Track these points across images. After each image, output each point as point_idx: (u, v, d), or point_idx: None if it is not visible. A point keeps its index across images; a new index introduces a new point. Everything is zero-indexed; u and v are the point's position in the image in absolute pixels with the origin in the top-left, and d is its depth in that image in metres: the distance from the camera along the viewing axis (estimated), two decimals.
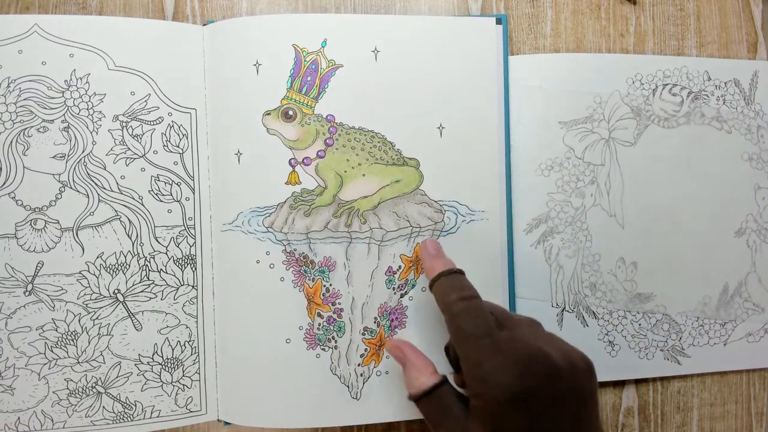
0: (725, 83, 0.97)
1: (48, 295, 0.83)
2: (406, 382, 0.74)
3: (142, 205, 0.85)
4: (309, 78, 0.86)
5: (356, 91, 0.87)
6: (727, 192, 0.97)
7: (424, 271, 0.82)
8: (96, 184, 0.84)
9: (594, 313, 0.94)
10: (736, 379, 1.00)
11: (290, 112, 0.85)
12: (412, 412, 0.88)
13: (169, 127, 0.86)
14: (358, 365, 0.88)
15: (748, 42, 1.00)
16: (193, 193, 0.87)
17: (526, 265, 0.92)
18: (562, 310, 0.93)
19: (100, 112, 0.84)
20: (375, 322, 0.88)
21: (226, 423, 0.88)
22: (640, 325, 0.95)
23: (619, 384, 0.97)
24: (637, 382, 0.98)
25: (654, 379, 0.98)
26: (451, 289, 0.73)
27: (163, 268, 0.86)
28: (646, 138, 0.95)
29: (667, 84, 0.96)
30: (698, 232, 0.96)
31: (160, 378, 0.86)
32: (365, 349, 0.88)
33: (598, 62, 0.95)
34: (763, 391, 1.00)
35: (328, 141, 0.86)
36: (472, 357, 0.66)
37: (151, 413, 0.86)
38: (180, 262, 0.87)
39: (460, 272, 0.76)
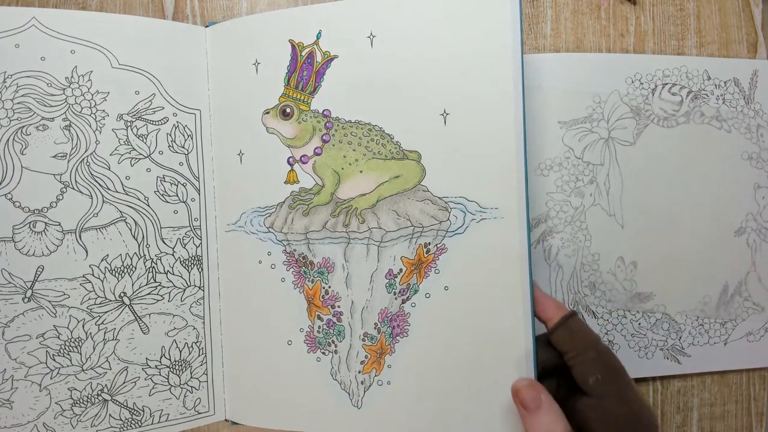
0: (725, 82, 0.95)
1: (49, 301, 0.79)
2: (534, 425, 0.70)
3: (148, 206, 0.82)
4: (305, 73, 0.82)
5: (351, 83, 0.81)
6: (727, 191, 0.96)
7: (539, 311, 0.77)
8: (100, 184, 0.81)
9: (593, 312, 0.93)
10: (736, 379, 0.98)
11: (287, 110, 0.82)
12: (416, 427, 0.81)
13: (174, 128, 0.84)
14: (359, 372, 0.82)
15: (748, 42, 0.98)
16: (199, 194, 0.85)
17: None
18: None
19: (104, 110, 0.81)
20: (375, 328, 0.82)
21: (234, 423, 0.86)
22: (639, 324, 0.94)
23: None
24: (637, 382, 0.95)
25: (654, 380, 0.96)
26: (589, 328, 0.75)
27: (170, 270, 0.83)
28: (645, 137, 0.94)
29: (667, 83, 0.94)
30: (698, 231, 0.95)
31: (168, 381, 0.84)
32: (366, 356, 0.82)
33: (598, 62, 0.94)
34: (763, 391, 0.99)
35: (324, 137, 0.82)
36: (625, 393, 0.72)
37: (159, 417, 0.83)
38: (187, 263, 0.84)
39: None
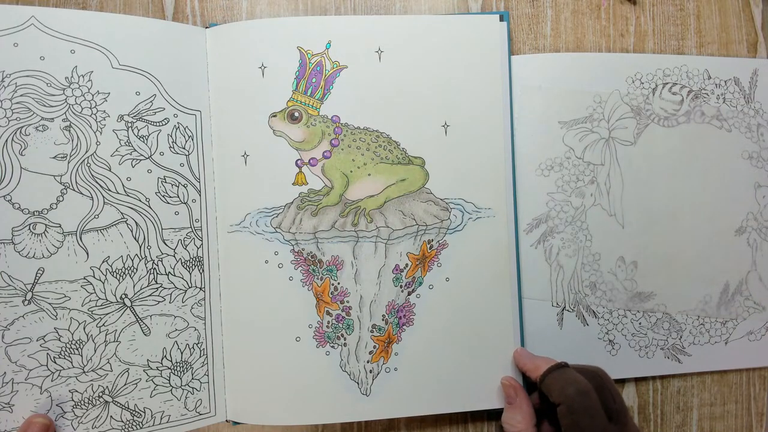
0: (725, 82, 0.95)
1: (50, 304, 0.77)
2: (505, 417, 0.83)
3: (149, 207, 0.81)
4: (314, 80, 0.84)
5: (361, 92, 0.85)
6: (727, 190, 0.95)
7: (528, 373, 0.85)
8: (101, 185, 0.79)
9: (594, 312, 0.93)
10: (736, 379, 0.97)
11: (296, 114, 0.84)
12: (420, 408, 0.87)
13: (175, 129, 0.83)
14: (368, 362, 0.86)
15: (748, 42, 0.97)
16: (199, 195, 0.84)
17: (527, 265, 0.90)
18: (563, 310, 0.92)
19: (104, 111, 0.80)
20: (383, 320, 0.87)
21: (235, 423, 0.86)
22: (640, 324, 0.94)
23: (619, 383, 0.95)
24: (637, 381, 0.95)
25: (654, 379, 0.95)
26: (566, 383, 0.77)
27: (171, 271, 0.82)
28: (645, 137, 0.93)
29: (667, 83, 0.94)
30: (698, 230, 0.94)
31: (169, 382, 0.83)
32: (374, 346, 0.87)
33: (598, 62, 0.93)
34: (763, 391, 0.98)
35: (333, 141, 0.84)
36: None
37: (161, 419, 0.82)
38: (188, 264, 0.83)
39: (566, 365, 0.81)
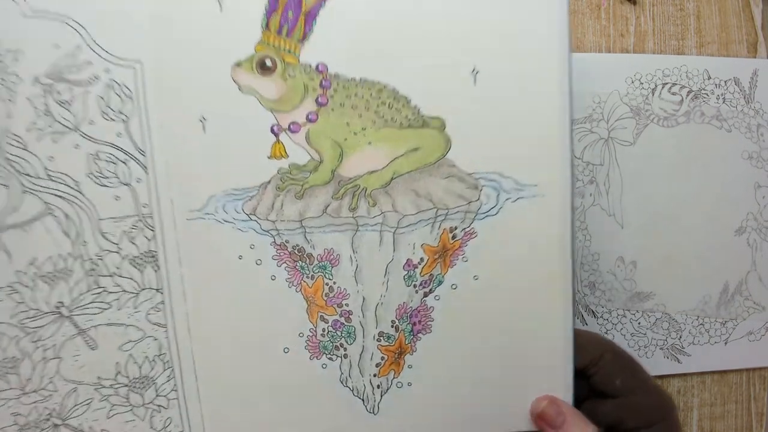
0: (725, 82, 0.61)
1: None
2: None
3: (80, 192, 0.38)
4: (290, 13, 0.38)
5: (354, 28, 0.39)
6: (727, 191, 0.62)
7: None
8: (17, 170, 0.37)
9: (593, 312, 0.60)
10: (736, 379, 0.65)
11: (268, 63, 0.38)
12: (438, 429, 0.44)
13: (107, 88, 0.38)
14: (374, 375, 0.42)
15: (748, 42, 0.62)
16: (146, 173, 0.39)
17: None
18: None
19: (15, 74, 0.36)
20: (393, 326, 0.42)
21: None
22: (639, 323, 0.61)
23: None
24: None
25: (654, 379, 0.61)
26: (596, 333, 0.52)
27: (116, 271, 0.39)
28: (645, 137, 0.60)
29: (667, 83, 0.60)
30: (698, 230, 0.61)
31: (128, 401, 0.41)
32: (382, 358, 0.42)
33: (597, 62, 0.60)
34: (763, 391, 0.66)
35: (320, 99, 0.39)
36: (648, 384, 0.45)
37: None
38: (137, 261, 0.40)
39: None
